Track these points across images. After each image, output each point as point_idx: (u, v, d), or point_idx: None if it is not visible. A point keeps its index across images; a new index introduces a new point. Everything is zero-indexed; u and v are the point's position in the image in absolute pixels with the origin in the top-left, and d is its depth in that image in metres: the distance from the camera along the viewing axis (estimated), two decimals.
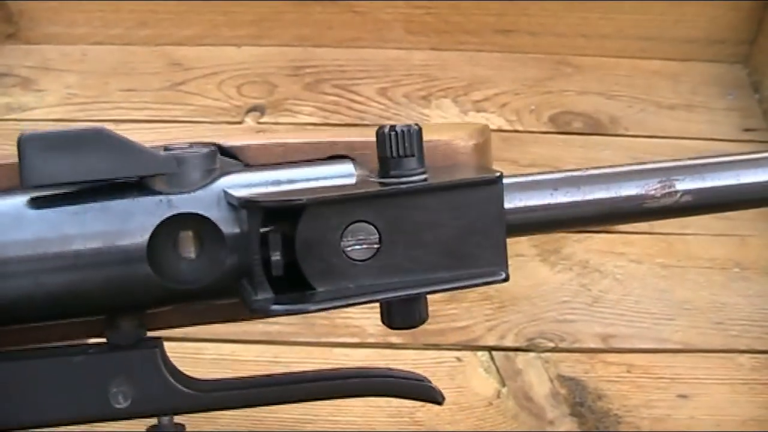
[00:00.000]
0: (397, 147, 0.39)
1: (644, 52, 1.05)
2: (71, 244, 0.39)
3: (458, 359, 0.76)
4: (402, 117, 0.97)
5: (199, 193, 0.40)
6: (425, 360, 0.75)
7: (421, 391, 0.47)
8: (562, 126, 0.98)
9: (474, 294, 0.80)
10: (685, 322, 0.80)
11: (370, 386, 0.46)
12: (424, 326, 0.78)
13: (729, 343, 0.79)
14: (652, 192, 0.44)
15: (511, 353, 0.77)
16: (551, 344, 0.78)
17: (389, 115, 0.97)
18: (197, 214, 0.40)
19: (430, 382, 0.47)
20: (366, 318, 0.77)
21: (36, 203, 0.40)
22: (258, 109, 0.97)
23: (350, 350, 0.76)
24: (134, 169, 0.39)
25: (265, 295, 0.38)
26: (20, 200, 0.40)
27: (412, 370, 0.74)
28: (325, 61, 1.03)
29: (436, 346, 0.77)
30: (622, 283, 0.82)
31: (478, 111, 0.98)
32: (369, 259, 0.39)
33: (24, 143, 0.38)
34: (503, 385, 0.75)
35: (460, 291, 0.80)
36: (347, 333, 0.77)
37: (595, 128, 0.98)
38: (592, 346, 0.78)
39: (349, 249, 0.38)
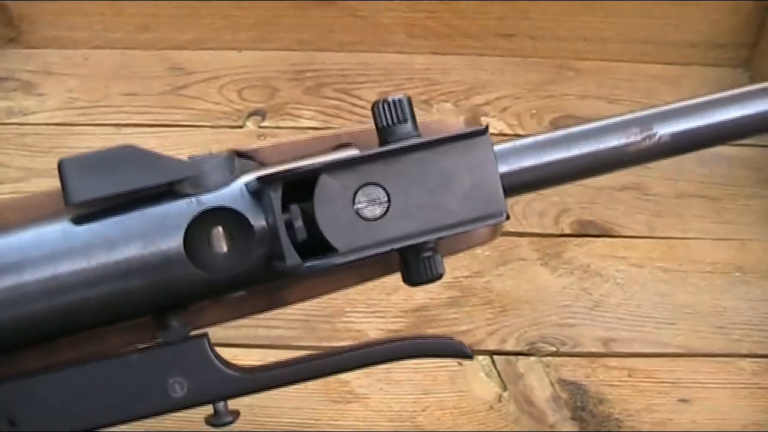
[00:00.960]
0: (390, 115, 0.44)
1: (645, 56, 1.05)
2: (117, 249, 0.43)
3: (459, 363, 0.76)
4: None
5: (224, 190, 0.44)
6: (426, 364, 0.75)
7: (449, 348, 0.51)
8: None
9: (475, 298, 0.80)
10: (686, 326, 0.80)
11: (402, 350, 0.50)
12: (425, 331, 0.79)
13: (730, 347, 0.79)
14: (633, 138, 0.48)
15: (512, 357, 0.77)
16: (552, 348, 0.78)
17: None
18: (224, 207, 0.43)
19: (457, 341, 0.51)
20: (367, 322, 0.78)
21: (80, 219, 0.44)
22: (259, 114, 0.97)
23: None
24: (164, 176, 0.43)
25: (293, 260, 0.42)
26: (66, 219, 0.44)
27: (412, 373, 0.74)
28: (326, 65, 1.03)
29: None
30: (623, 287, 0.82)
31: (479, 115, 0.98)
32: (381, 216, 0.43)
33: (64, 166, 0.42)
34: (504, 389, 0.75)
35: (461, 295, 0.80)
36: (348, 337, 0.77)
37: None
38: (593, 350, 0.78)
39: (362, 209, 0.42)
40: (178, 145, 0.93)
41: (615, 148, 0.48)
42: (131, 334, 0.48)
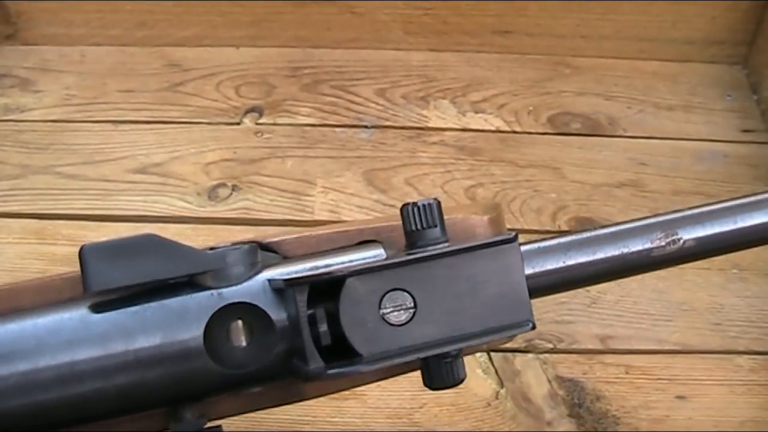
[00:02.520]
0: (420, 220, 0.43)
1: (643, 53, 1.05)
2: (135, 341, 0.42)
3: None
4: (400, 118, 0.97)
5: (246, 284, 0.43)
6: None
7: None
8: (560, 127, 0.98)
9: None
10: (684, 323, 0.80)
11: None
12: None
13: (727, 344, 0.79)
14: (657, 243, 0.47)
15: (509, 354, 0.77)
16: (549, 345, 0.78)
17: (387, 116, 0.97)
18: (246, 303, 0.43)
19: None
20: None
21: (99, 307, 0.43)
22: (256, 110, 0.97)
23: None
24: (185, 268, 0.42)
25: (316, 364, 0.42)
26: (84, 306, 0.43)
27: None
28: (324, 62, 1.03)
29: None
30: (620, 284, 0.82)
31: (477, 112, 0.98)
32: (407, 322, 0.42)
33: (85, 253, 0.41)
34: (501, 386, 0.75)
35: None
36: None
37: (593, 129, 0.98)
38: (591, 347, 0.78)
39: (388, 315, 0.42)
40: (175, 142, 0.93)
41: (639, 253, 0.47)
42: (142, 422, 0.46)
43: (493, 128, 0.97)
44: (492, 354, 0.77)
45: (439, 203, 0.44)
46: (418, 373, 0.74)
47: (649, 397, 0.75)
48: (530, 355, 0.77)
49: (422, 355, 0.42)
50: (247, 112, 0.97)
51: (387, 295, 0.42)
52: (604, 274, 0.48)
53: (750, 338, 0.79)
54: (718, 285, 0.83)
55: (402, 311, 0.42)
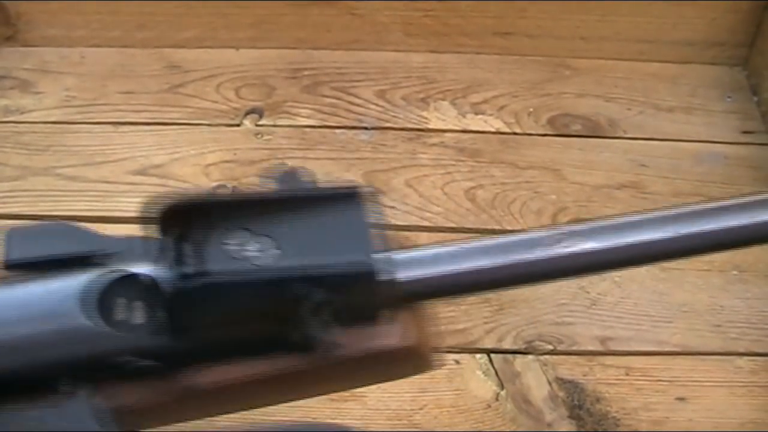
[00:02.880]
0: (277, 179, 0.47)
1: (643, 55, 1.05)
2: (34, 313, 0.46)
3: (456, 362, 0.76)
4: (400, 119, 0.97)
5: (144, 264, 0.47)
6: None
7: None
8: (560, 128, 0.98)
9: (472, 296, 0.80)
10: (684, 324, 0.80)
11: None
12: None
13: (727, 345, 0.79)
14: (546, 252, 0.47)
15: (509, 356, 0.77)
16: (549, 347, 0.78)
17: (387, 118, 0.97)
18: (142, 275, 0.46)
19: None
20: None
21: (12, 283, 0.47)
22: (256, 112, 0.97)
23: None
24: (90, 247, 0.47)
25: (174, 287, 0.45)
26: (5, 283, 0.47)
27: None
28: (324, 64, 1.03)
29: (434, 349, 0.77)
30: (620, 286, 0.82)
31: (477, 113, 0.98)
32: (254, 257, 0.45)
33: (8, 234, 0.47)
34: (501, 387, 0.75)
35: None
36: None
37: (593, 131, 0.98)
38: (591, 348, 0.78)
39: (234, 248, 0.45)
40: (175, 144, 0.93)
41: (530, 263, 0.47)
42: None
43: (493, 130, 0.97)
44: (492, 355, 0.77)
45: (301, 171, 0.48)
46: (418, 375, 0.74)
47: (650, 398, 0.75)
48: (530, 357, 0.77)
49: (264, 276, 0.44)
50: (247, 113, 0.97)
51: (233, 231, 0.45)
52: (488, 282, 0.48)
53: (750, 340, 0.79)
54: (719, 287, 0.83)
55: (247, 247, 0.44)
